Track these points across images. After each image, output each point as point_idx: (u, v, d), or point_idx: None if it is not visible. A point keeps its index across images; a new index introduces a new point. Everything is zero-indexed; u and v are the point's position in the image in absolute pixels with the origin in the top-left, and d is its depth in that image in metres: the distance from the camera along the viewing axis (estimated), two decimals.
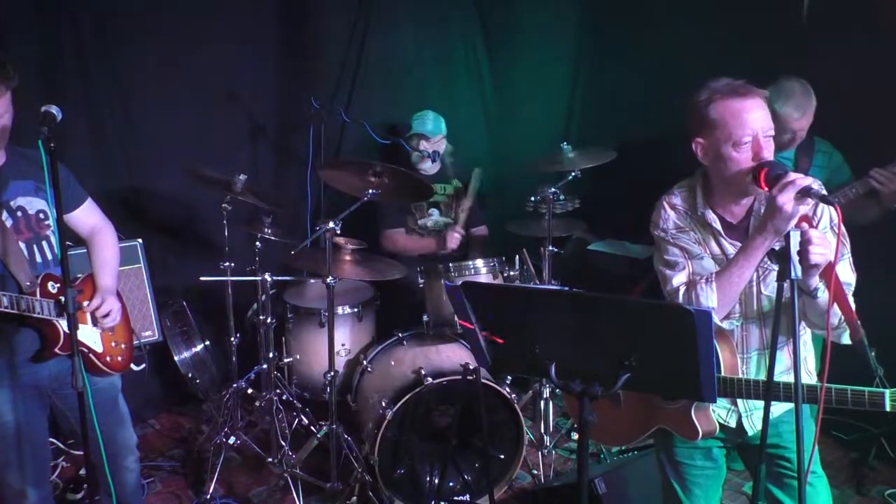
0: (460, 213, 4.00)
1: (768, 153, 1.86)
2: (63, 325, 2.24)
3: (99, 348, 2.42)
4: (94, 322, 2.42)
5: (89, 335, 2.40)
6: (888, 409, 1.75)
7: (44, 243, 2.32)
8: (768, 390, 1.77)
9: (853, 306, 1.88)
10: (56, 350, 2.26)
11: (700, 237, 2.01)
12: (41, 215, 2.32)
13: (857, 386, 1.78)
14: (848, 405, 1.78)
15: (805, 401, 1.79)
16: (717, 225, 1.98)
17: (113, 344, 2.47)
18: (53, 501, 2.54)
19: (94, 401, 2.23)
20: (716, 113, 1.88)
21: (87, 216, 2.49)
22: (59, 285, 2.26)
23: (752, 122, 1.84)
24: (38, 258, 2.30)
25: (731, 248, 1.97)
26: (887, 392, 1.76)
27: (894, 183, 2.76)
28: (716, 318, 1.86)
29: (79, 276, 2.46)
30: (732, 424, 2.05)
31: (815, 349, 2.13)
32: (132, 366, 2.59)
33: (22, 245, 2.25)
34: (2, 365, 2.25)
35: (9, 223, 2.22)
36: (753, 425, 2.05)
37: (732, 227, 1.99)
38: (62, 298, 2.17)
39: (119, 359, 2.48)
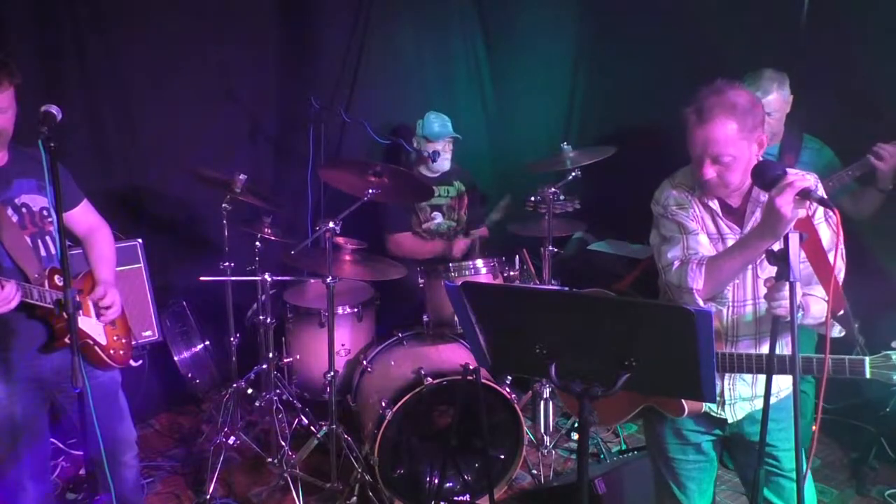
0: (463, 215, 4.01)
1: (712, 175, 1.91)
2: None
3: (103, 341, 2.45)
4: (98, 315, 2.46)
5: (93, 328, 2.43)
6: (868, 375, 1.79)
7: (47, 238, 2.36)
8: (767, 391, 1.78)
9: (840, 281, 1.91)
10: (66, 340, 2.28)
11: (699, 216, 2.04)
12: (44, 212, 2.36)
13: (838, 355, 1.81)
14: (829, 373, 1.80)
15: (790, 371, 1.79)
16: (716, 206, 2.02)
17: (115, 338, 2.52)
18: (54, 499, 2.54)
19: (95, 395, 2.27)
20: (683, 121, 1.96)
21: (84, 216, 2.54)
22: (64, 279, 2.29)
23: (697, 144, 1.92)
24: (43, 252, 2.34)
25: (727, 230, 2.01)
26: (867, 359, 1.79)
27: (895, 159, 2.75)
28: (699, 299, 1.91)
29: (77, 274, 2.48)
30: (724, 415, 2.08)
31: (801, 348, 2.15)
32: (131, 361, 2.62)
33: (27, 238, 2.29)
34: (4, 358, 2.26)
35: (14, 219, 2.27)
36: (735, 414, 2.08)
37: (732, 211, 2.03)
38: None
39: (121, 352, 2.53)
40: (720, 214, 2.02)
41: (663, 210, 2.08)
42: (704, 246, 1.99)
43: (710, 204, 2.02)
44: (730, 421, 2.09)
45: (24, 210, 2.31)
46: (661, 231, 2.08)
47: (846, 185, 2.87)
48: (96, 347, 2.42)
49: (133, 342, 2.69)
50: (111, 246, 2.59)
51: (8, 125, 2.21)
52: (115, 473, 2.40)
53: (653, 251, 2.13)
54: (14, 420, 2.30)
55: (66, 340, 2.27)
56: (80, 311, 2.37)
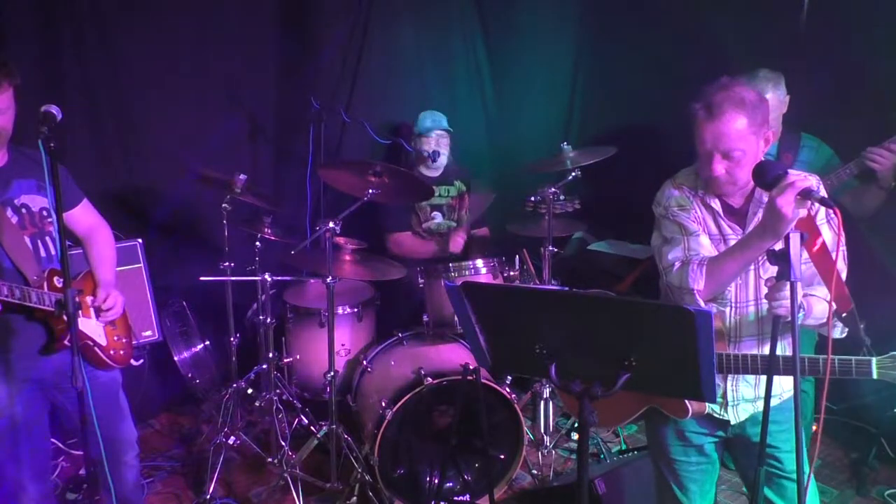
0: (464, 215, 4.01)
1: (721, 172, 1.90)
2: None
3: (103, 341, 2.46)
4: (98, 316, 2.46)
5: (93, 329, 2.44)
6: (875, 376, 1.78)
7: (47, 238, 2.36)
8: (768, 392, 1.77)
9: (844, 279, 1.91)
10: (65, 342, 2.28)
11: (700, 216, 2.03)
12: (44, 212, 2.36)
13: (845, 356, 1.81)
14: (836, 374, 1.80)
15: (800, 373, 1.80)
16: (718, 206, 2.01)
17: (115, 338, 2.52)
18: (55, 499, 2.54)
19: (96, 395, 2.28)
20: (690, 118, 1.94)
21: (84, 216, 2.54)
22: (63, 280, 2.29)
23: (706, 140, 1.90)
24: (43, 252, 2.34)
25: (728, 230, 2.00)
26: (874, 360, 1.79)
27: (890, 160, 2.74)
28: (700, 300, 1.90)
29: (80, 273, 2.49)
30: (727, 417, 2.08)
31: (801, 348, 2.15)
32: (131, 360, 2.63)
33: (27, 240, 2.29)
34: (5, 359, 2.26)
35: (14, 220, 2.27)
36: (737, 415, 2.08)
37: (734, 211, 2.02)
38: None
39: (122, 352, 2.53)
40: (722, 215, 2.01)
41: (664, 211, 2.07)
42: (706, 247, 1.99)
43: (712, 204, 2.01)
44: (732, 422, 2.08)
45: (23, 211, 2.31)
46: (663, 232, 2.07)
47: (846, 182, 2.86)
48: (96, 348, 2.42)
49: (134, 342, 2.69)
50: (111, 246, 2.59)
51: (7, 125, 2.21)
52: (115, 473, 2.41)
53: (654, 252, 2.13)
54: (15, 421, 2.30)
55: (66, 342, 2.28)
56: (80, 312, 2.38)
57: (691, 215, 2.03)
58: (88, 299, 2.44)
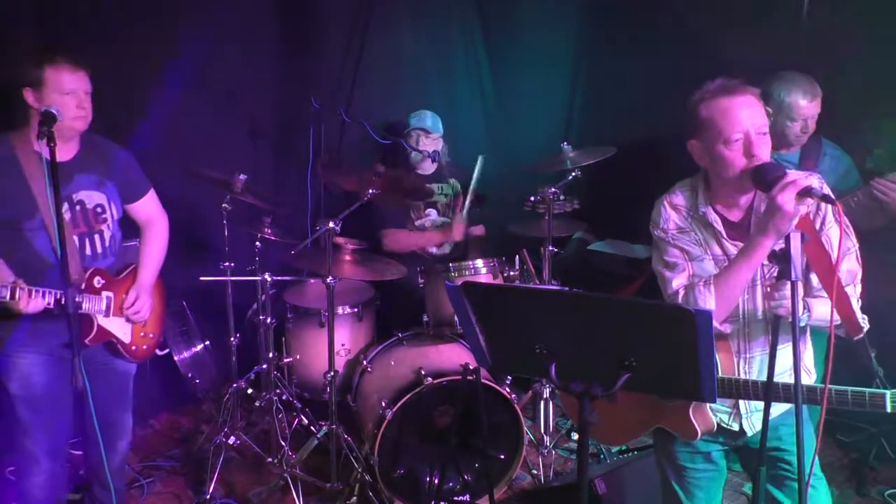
0: (466, 201, 3.99)
1: (761, 150, 1.84)
2: (99, 319, 2.38)
3: (126, 339, 2.52)
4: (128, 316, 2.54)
5: (120, 327, 2.50)
6: (889, 409, 1.74)
7: (96, 237, 2.41)
8: (768, 391, 1.77)
9: (855, 306, 1.88)
10: (86, 341, 2.35)
11: (701, 238, 1.99)
12: (98, 209, 2.41)
13: (858, 387, 1.77)
14: (848, 406, 1.77)
15: (805, 401, 1.79)
16: (719, 226, 1.96)
17: (141, 334, 2.59)
18: (65, 480, 2.56)
19: (111, 379, 2.46)
20: (707, 112, 1.89)
21: (146, 207, 2.64)
22: (104, 280, 2.39)
23: (741, 119, 1.84)
24: (88, 251, 2.39)
25: (732, 249, 1.95)
26: (888, 393, 1.75)
27: None
28: (715, 323, 1.85)
29: (129, 267, 2.57)
30: (736, 428, 2.05)
31: (814, 347, 2.12)
32: (157, 351, 2.74)
33: (75, 238, 2.33)
34: (46, 342, 2.32)
35: (67, 216, 2.29)
36: (753, 426, 2.04)
37: (734, 227, 1.98)
38: (106, 294, 2.37)
39: (144, 347, 2.60)
40: (724, 234, 1.96)
41: (664, 234, 2.03)
42: (711, 273, 1.94)
43: (713, 223, 1.97)
44: (749, 434, 2.04)
45: (78, 208, 2.35)
46: (664, 257, 2.02)
47: (852, 209, 2.74)
48: (118, 345, 2.50)
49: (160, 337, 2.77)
50: (161, 242, 2.67)
51: (75, 117, 2.25)
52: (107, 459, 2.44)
53: (657, 277, 2.07)
54: (42, 393, 2.34)
55: (87, 342, 2.35)
56: (111, 311, 2.45)
57: (691, 237, 1.99)
58: (122, 297, 2.50)
